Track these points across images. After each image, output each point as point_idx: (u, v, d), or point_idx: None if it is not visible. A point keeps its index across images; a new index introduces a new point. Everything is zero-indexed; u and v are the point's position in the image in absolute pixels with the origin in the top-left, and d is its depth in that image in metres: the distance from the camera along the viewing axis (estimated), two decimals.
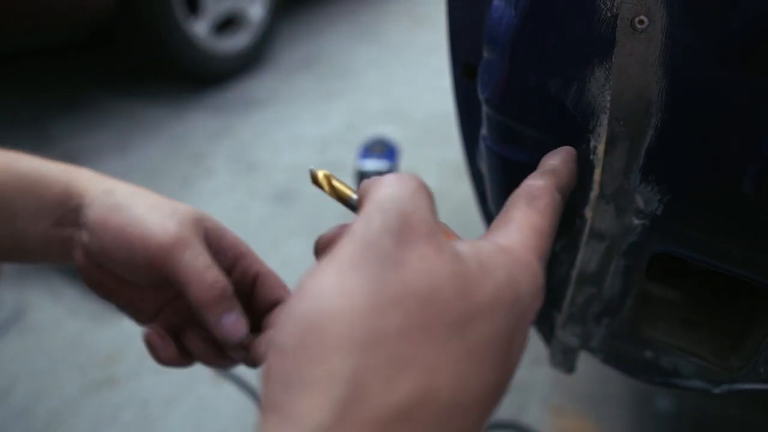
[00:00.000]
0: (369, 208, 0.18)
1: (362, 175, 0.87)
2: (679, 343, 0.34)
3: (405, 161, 1.27)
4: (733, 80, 0.25)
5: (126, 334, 0.89)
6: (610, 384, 0.82)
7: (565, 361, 0.40)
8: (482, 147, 0.36)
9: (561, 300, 0.37)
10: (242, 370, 0.82)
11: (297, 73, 1.87)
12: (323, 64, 1.95)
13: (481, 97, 0.34)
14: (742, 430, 0.76)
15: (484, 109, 0.34)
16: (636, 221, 0.31)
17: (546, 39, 0.29)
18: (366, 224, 0.17)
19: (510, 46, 0.31)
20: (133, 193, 0.33)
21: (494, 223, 0.23)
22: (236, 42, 1.75)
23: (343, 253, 0.17)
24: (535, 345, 0.91)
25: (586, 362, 0.57)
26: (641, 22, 0.26)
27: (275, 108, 1.65)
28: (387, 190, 0.19)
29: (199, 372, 0.83)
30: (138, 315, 0.35)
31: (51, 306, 0.95)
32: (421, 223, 0.18)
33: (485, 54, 0.34)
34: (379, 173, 0.86)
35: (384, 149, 0.89)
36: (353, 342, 0.15)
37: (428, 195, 0.20)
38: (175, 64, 1.59)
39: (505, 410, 0.78)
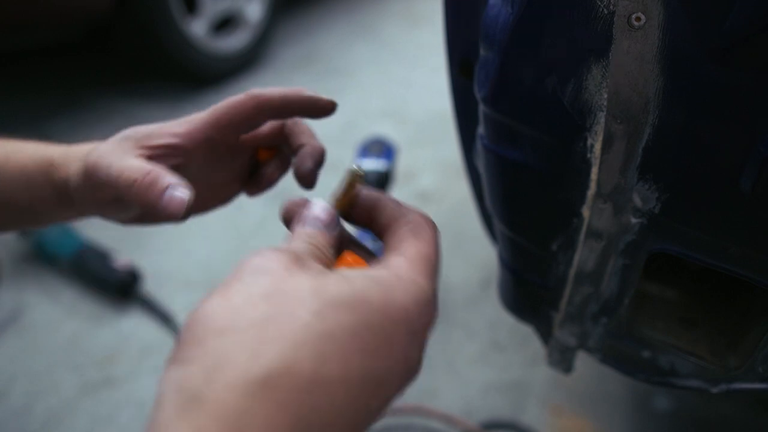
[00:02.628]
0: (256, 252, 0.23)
1: None
2: (677, 342, 0.34)
3: (402, 160, 1.27)
4: (730, 77, 0.25)
5: (123, 335, 0.89)
6: (609, 383, 0.81)
7: (562, 360, 0.40)
8: (479, 145, 0.36)
9: (558, 299, 0.36)
10: None
11: (295, 72, 1.87)
12: (321, 63, 1.95)
13: (478, 95, 0.34)
14: (740, 430, 0.76)
15: (481, 107, 0.34)
16: (633, 220, 0.30)
17: (542, 37, 0.29)
18: (248, 257, 0.22)
19: (506, 44, 0.30)
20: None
21: (385, 250, 0.26)
22: (234, 41, 1.74)
23: (230, 277, 0.22)
24: (533, 345, 0.91)
25: (584, 362, 0.57)
26: (638, 19, 0.26)
27: None
28: (282, 243, 0.24)
29: None
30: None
31: (48, 306, 0.95)
32: (291, 255, 0.22)
33: (482, 52, 0.34)
34: (377, 173, 0.86)
35: (382, 149, 0.89)
36: (227, 327, 0.19)
37: (319, 242, 0.25)
38: (173, 63, 1.58)
39: (504, 410, 0.78)
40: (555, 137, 0.31)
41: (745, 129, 0.26)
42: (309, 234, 0.25)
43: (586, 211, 0.32)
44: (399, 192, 1.19)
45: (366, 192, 0.28)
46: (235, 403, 0.17)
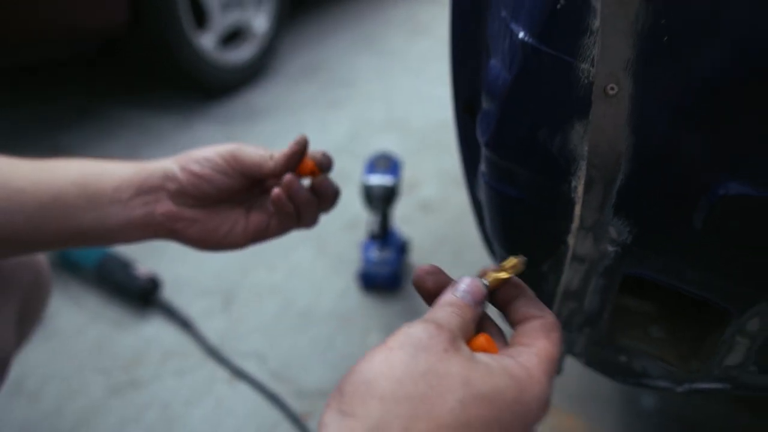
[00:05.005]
0: (420, 320, 0.27)
1: (368, 189, 0.93)
2: (649, 349, 0.40)
3: (406, 171, 1.32)
4: (684, 139, 0.31)
5: (146, 339, 0.95)
6: (600, 384, 0.87)
7: None
8: (481, 181, 0.42)
9: None
10: (257, 374, 0.88)
11: (300, 82, 1.93)
12: (326, 73, 2.00)
13: (481, 140, 0.40)
14: (722, 427, 0.82)
15: (483, 150, 0.40)
16: (610, 248, 0.37)
17: (535, 99, 0.35)
18: (410, 326, 0.27)
19: (504, 101, 0.37)
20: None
21: (517, 342, 0.29)
22: (242, 53, 1.80)
23: (394, 340, 0.26)
24: None
25: (577, 365, 0.63)
26: (612, 88, 0.32)
27: (280, 118, 1.70)
28: (436, 312, 0.28)
29: (217, 375, 0.88)
30: (228, 236, 0.46)
31: (73, 313, 1.00)
32: (448, 333, 0.26)
33: (484, 104, 0.40)
34: (384, 187, 0.92)
35: (388, 164, 0.95)
36: (388, 396, 0.23)
37: (467, 316, 0.28)
38: (184, 75, 1.63)
39: None
40: (546, 179, 0.37)
41: (696, 179, 0.32)
42: (460, 306, 0.29)
43: (571, 240, 0.38)
44: (402, 202, 1.25)
45: (515, 280, 0.32)
46: None
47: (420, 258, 1.10)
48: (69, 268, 1.05)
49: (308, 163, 0.45)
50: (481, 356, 0.26)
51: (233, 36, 1.80)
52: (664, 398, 0.85)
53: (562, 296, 0.41)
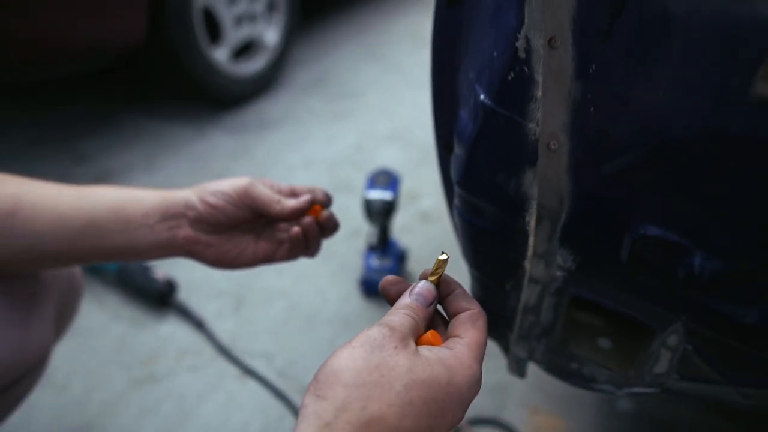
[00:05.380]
0: (378, 323, 0.35)
1: (368, 204, 1.00)
2: (596, 358, 0.47)
3: (407, 182, 1.40)
4: (610, 187, 0.38)
5: (163, 338, 1.03)
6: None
7: (518, 368, 0.53)
8: (455, 213, 0.49)
9: (512, 324, 0.50)
10: (264, 372, 0.96)
11: (308, 94, 2.00)
12: (332, 85, 2.08)
13: (453, 179, 0.47)
14: (692, 429, 0.89)
15: (455, 188, 0.47)
16: (558, 273, 0.44)
17: (494, 149, 0.42)
18: (370, 329, 0.34)
19: (470, 149, 0.44)
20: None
21: (453, 333, 0.37)
22: (253, 66, 1.88)
23: (356, 340, 0.33)
24: None
25: None
26: (554, 144, 0.40)
27: (288, 129, 1.78)
28: (390, 317, 0.35)
29: (228, 372, 0.97)
30: (239, 258, 0.54)
31: (95, 312, 1.09)
32: (399, 333, 0.33)
33: (456, 149, 0.47)
34: (383, 202, 0.99)
35: (387, 180, 1.03)
36: (350, 383, 0.31)
37: (419, 316, 0.36)
38: (198, 88, 1.72)
39: (488, 408, 0.91)
40: (505, 213, 0.44)
41: (622, 220, 0.39)
42: (413, 309, 0.36)
43: (527, 265, 0.45)
44: (402, 213, 1.32)
45: (446, 277, 0.40)
46: None
47: (418, 265, 1.18)
48: (93, 271, 1.14)
49: (313, 208, 0.53)
50: (424, 350, 0.34)
51: (245, 48, 1.88)
52: (638, 401, 0.92)
53: (523, 311, 0.48)
